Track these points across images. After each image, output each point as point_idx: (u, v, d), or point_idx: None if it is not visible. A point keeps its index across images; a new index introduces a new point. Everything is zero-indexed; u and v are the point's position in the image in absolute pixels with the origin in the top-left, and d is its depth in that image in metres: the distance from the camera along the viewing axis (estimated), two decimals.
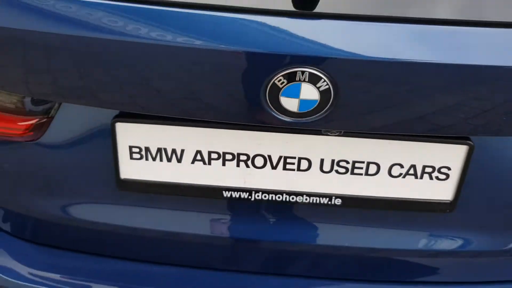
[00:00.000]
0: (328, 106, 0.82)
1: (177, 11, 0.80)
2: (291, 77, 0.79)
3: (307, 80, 0.79)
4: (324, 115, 0.84)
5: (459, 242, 1.14)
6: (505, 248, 1.14)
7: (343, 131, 0.93)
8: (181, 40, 0.79)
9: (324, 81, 0.79)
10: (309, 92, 0.81)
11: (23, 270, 1.19)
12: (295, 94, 0.81)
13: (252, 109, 0.85)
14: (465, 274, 1.20)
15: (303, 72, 0.78)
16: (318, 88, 0.80)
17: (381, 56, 0.79)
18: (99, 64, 0.84)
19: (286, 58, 0.78)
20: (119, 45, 0.81)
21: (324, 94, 0.81)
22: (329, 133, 0.94)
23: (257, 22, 0.79)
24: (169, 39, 0.79)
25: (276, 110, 0.83)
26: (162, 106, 0.89)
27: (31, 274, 1.19)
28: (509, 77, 0.81)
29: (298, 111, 0.84)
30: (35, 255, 1.23)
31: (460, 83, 0.82)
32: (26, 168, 1.10)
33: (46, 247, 1.23)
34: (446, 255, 1.15)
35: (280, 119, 0.84)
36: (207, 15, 0.80)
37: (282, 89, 0.81)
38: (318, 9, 0.78)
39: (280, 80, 0.79)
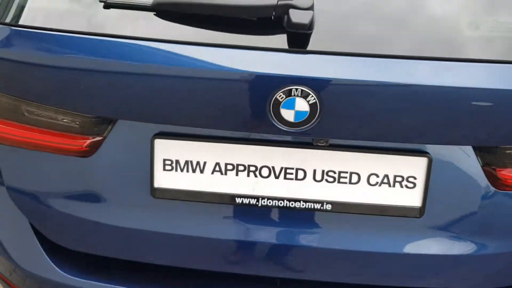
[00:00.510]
0: (316, 116, 1.09)
1: (209, 49, 1.12)
2: (288, 93, 1.07)
3: (299, 95, 1.07)
4: (313, 125, 1.10)
5: (431, 246, 1.29)
6: (473, 252, 1.28)
7: (329, 140, 1.18)
8: (213, 74, 1.12)
9: (312, 96, 1.07)
10: (301, 104, 1.08)
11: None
12: (291, 106, 1.09)
13: (260, 121, 1.12)
14: (435, 278, 1.33)
15: (296, 89, 1.07)
16: (308, 101, 1.08)
17: (348, 78, 1.09)
18: (151, 90, 1.14)
19: (285, 79, 1.07)
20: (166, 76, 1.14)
21: (312, 106, 1.08)
22: (319, 143, 1.18)
23: (267, 55, 1.11)
24: (203, 75, 1.12)
25: (278, 121, 1.10)
26: (194, 122, 1.17)
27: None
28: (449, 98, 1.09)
29: (294, 121, 1.10)
30: (74, 263, 1.43)
31: (414, 103, 1.10)
32: (76, 180, 1.30)
33: (87, 255, 1.41)
34: (419, 259, 1.29)
35: (280, 129, 1.10)
36: (232, 51, 1.12)
37: (282, 102, 1.08)
38: (308, 47, 1.10)
39: (281, 95, 1.08)
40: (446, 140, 1.17)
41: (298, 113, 1.10)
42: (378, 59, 1.10)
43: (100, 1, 1.16)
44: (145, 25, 1.19)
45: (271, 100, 1.09)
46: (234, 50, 1.11)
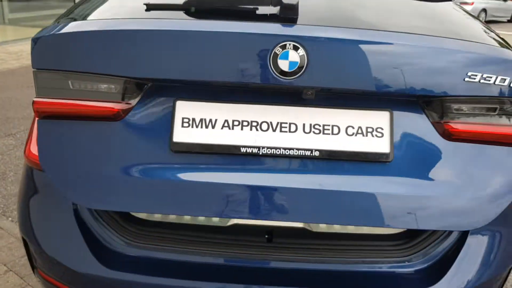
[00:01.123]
0: (304, 66, 1.42)
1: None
2: (283, 47, 1.41)
3: (292, 48, 1.41)
4: (303, 74, 1.42)
5: (400, 187, 1.54)
6: (431, 194, 1.53)
7: (314, 92, 1.47)
8: (232, 38, 1.47)
9: (301, 49, 1.41)
10: (293, 56, 1.41)
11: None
12: (286, 57, 1.42)
13: (263, 72, 1.44)
14: (403, 218, 1.56)
15: (290, 44, 1.41)
16: (298, 53, 1.41)
17: (326, 36, 1.44)
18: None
19: (282, 37, 1.42)
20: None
21: (302, 58, 1.41)
22: (307, 94, 1.47)
23: (269, 25, 1.50)
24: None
25: (275, 71, 1.42)
26: (215, 75, 1.47)
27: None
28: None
29: (288, 70, 1.42)
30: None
31: (371, 57, 1.44)
32: (108, 141, 1.55)
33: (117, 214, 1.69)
34: (390, 198, 1.53)
35: (277, 78, 1.42)
36: (244, 23, 1.51)
37: (279, 55, 1.42)
38: (296, 19, 1.50)
39: (278, 49, 1.42)
40: (396, 91, 1.47)
41: (291, 63, 1.42)
42: (344, 28, 1.51)
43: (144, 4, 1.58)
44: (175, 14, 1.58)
45: (271, 53, 1.42)
46: (245, 22, 1.50)
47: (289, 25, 1.47)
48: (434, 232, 1.77)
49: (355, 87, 1.47)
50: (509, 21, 22.18)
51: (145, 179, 1.52)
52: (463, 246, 1.72)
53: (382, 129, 1.52)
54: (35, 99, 1.58)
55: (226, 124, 1.51)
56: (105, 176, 1.55)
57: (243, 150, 1.51)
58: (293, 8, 1.47)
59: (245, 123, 1.51)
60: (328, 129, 1.52)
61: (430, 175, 1.55)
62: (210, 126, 1.51)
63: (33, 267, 1.95)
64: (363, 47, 1.45)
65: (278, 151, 1.51)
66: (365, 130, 1.53)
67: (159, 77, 1.49)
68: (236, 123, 1.51)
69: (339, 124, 1.52)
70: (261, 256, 1.72)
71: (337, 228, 1.98)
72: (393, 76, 1.46)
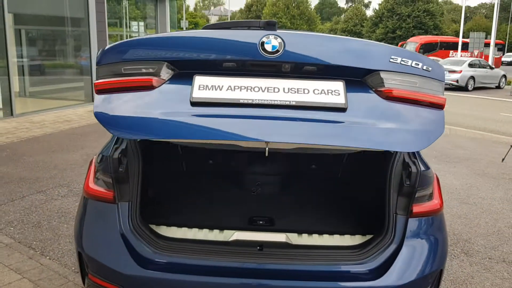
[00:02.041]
0: (282, 48, 2.21)
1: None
2: (268, 37, 2.21)
3: (273, 38, 2.21)
4: (281, 53, 2.20)
5: (352, 122, 2.18)
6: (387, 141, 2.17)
7: (289, 65, 2.24)
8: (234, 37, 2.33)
9: (279, 39, 2.22)
10: (274, 42, 2.21)
11: None
12: (269, 43, 2.21)
13: (255, 52, 2.21)
14: (354, 140, 2.18)
15: (272, 35, 2.21)
16: (277, 41, 2.21)
17: (292, 32, 2.40)
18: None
19: (266, 32, 2.24)
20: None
21: (280, 44, 2.21)
22: (285, 68, 2.25)
23: (258, 32, 2.29)
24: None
25: (263, 51, 2.20)
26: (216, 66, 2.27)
27: None
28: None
29: (271, 50, 2.20)
30: None
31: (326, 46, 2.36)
32: (148, 102, 2.23)
33: None
34: (345, 127, 2.17)
35: (264, 56, 2.20)
36: (242, 31, 2.53)
37: (265, 42, 2.21)
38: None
39: (264, 39, 2.21)
40: (346, 67, 2.26)
41: (273, 46, 2.22)
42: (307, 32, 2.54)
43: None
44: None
45: (260, 41, 2.22)
46: (242, 30, 2.52)
47: (271, 29, 2.28)
48: (379, 242, 2.45)
49: (316, 62, 2.26)
50: (497, 87, 23.23)
51: (173, 118, 2.18)
52: (399, 252, 2.39)
53: (338, 91, 2.24)
54: (96, 82, 2.28)
55: (229, 88, 2.22)
56: (144, 118, 2.19)
57: (241, 101, 2.20)
58: (273, 24, 2.31)
59: (243, 87, 2.23)
60: (301, 91, 2.23)
61: (371, 116, 2.20)
62: (218, 89, 2.22)
63: (83, 277, 2.60)
64: (323, 39, 2.44)
65: (265, 102, 2.20)
66: (327, 91, 2.24)
67: (185, 58, 2.27)
68: (236, 87, 2.23)
69: (308, 88, 2.24)
70: (255, 260, 2.39)
71: (310, 241, 2.67)
72: (342, 58, 2.27)
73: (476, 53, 33.78)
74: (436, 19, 50.30)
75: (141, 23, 21.87)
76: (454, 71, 21.33)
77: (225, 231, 2.80)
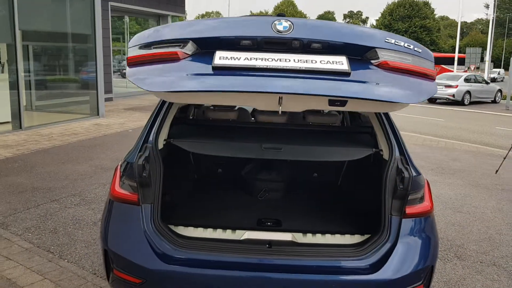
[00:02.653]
0: (292, 28, 2.53)
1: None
2: (279, 20, 2.55)
3: (283, 21, 2.55)
4: (291, 32, 2.52)
5: (355, 83, 2.44)
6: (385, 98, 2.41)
7: (298, 42, 2.51)
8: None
9: (288, 22, 2.55)
10: (285, 23, 2.54)
11: None
12: (281, 24, 2.54)
13: (269, 31, 2.52)
14: (356, 92, 2.44)
15: (282, 19, 2.56)
16: (287, 23, 2.54)
17: (300, 19, 2.66)
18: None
19: (277, 17, 2.61)
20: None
21: (290, 25, 2.53)
22: (295, 44, 2.51)
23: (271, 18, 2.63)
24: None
25: (276, 31, 2.52)
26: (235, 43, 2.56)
27: None
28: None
29: (282, 30, 2.52)
30: None
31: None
32: (174, 68, 2.49)
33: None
34: (348, 86, 2.44)
35: (276, 35, 2.51)
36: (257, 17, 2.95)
37: (277, 23, 2.54)
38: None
39: (276, 22, 2.55)
40: (346, 44, 2.56)
41: (284, 27, 2.52)
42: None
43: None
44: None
45: (273, 23, 2.53)
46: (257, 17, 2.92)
47: (281, 15, 2.63)
48: (376, 241, 2.73)
49: (322, 40, 2.55)
50: (492, 102, 23.63)
51: (196, 76, 2.46)
52: (394, 249, 2.67)
53: (342, 62, 2.51)
54: (127, 56, 2.59)
55: (246, 58, 2.48)
56: (170, 77, 2.45)
57: (257, 67, 2.45)
58: (283, 15, 2.67)
59: (258, 58, 2.48)
60: (309, 61, 2.49)
61: (372, 79, 2.48)
62: (236, 59, 2.47)
63: (108, 273, 2.88)
64: (327, 23, 2.74)
65: (279, 67, 2.45)
66: (332, 62, 2.51)
67: (207, 37, 2.58)
68: (253, 58, 2.48)
69: (316, 59, 2.51)
70: (264, 256, 2.66)
71: (314, 240, 2.95)
72: (344, 37, 2.59)
73: (472, 68, 34.23)
74: (432, 35, 50.99)
75: None
76: (450, 86, 21.73)
77: (237, 231, 3.08)
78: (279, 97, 2.60)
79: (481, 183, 7.46)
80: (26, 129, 10.40)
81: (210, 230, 3.13)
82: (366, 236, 2.96)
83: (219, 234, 3.09)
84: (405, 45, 2.57)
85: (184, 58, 2.50)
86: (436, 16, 57.91)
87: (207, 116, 3.90)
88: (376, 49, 2.53)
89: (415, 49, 2.59)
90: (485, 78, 26.88)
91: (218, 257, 2.66)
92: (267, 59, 2.46)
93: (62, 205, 5.65)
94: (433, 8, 54.78)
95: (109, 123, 11.79)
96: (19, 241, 4.57)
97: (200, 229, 3.14)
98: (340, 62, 2.50)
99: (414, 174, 2.77)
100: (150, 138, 2.98)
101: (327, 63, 2.49)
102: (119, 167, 2.97)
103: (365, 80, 2.46)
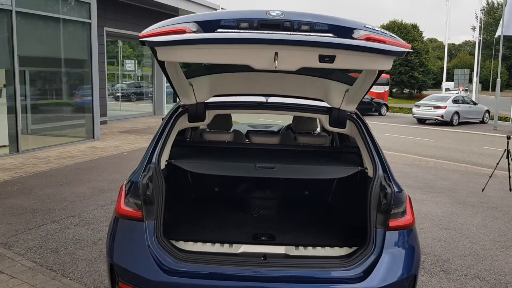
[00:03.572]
0: (283, 15, 2.70)
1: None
2: (273, 11, 2.73)
3: (277, 10, 2.73)
4: (283, 16, 2.69)
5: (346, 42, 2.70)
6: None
7: (291, 23, 2.70)
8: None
9: (280, 11, 2.73)
10: (278, 11, 2.72)
11: None
12: (274, 11, 2.72)
13: (262, 15, 2.70)
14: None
15: (275, 10, 2.74)
16: (279, 11, 2.73)
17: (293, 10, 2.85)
18: None
19: (272, 10, 2.78)
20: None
21: (282, 12, 2.72)
22: (287, 24, 2.70)
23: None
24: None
25: (270, 15, 2.69)
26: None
27: None
28: None
29: (275, 15, 2.68)
30: None
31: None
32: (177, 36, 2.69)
33: None
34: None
35: (271, 17, 2.69)
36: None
37: (270, 12, 2.72)
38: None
39: (270, 12, 2.71)
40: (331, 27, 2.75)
41: (277, 13, 2.68)
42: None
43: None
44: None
45: (268, 12, 2.70)
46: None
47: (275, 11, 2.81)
48: (363, 252, 2.96)
49: (312, 21, 2.73)
50: (481, 122, 24.09)
51: (201, 35, 2.69)
52: (379, 260, 2.90)
53: (330, 36, 2.73)
54: (140, 34, 2.79)
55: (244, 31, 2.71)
56: (176, 36, 2.68)
57: (254, 35, 2.68)
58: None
59: (255, 32, 2.68)
60: (301, 36, 2.69)
61: (357, 43, 2.72)
62: (236, 33, 2.68)
63: (113, 286, 3.07)
64: (315, 13, 2.82)
65: (274, 38, 2.66)
66: (321, 36, 2.73)
67: (208, 20, 2.75)
68: (250, 32, 2.69)
69: (308, 35, 2.73)
70: (260, 268, 2.88)
71: (306, 252, 3.19)
72: (330, 20, 2.76)
73: (461, 89, 34.89)
74: (421, 57, 51.81)
75: (134, 61, 22.74)
76: (439, 107, 22.18)
77: (234, 245, 3.31)
78: (275, 52, 2.80)
79: (468, 201, 7.71)
80: (23, 153, 10.57)
81: (208, 244, 3.35)
82: (354, 248, 3.19)
83: (217, 248, 3.31)
84: (381, 31, 2.85)
85: (190, 33, 2.75)
86: (425, 38, 58.98)
87: (205, 138, 4.16)
88: (359, 29, 2.78)
89: (389, 34, 2.87)
90: (473, 99, 27.43)
91: (217, 269, 2.87)
92: (263, 33, 2.71)
93: (62, 226, 5.82)
94: (421, 31, 55.66)
95: (104, 146, 12.00)
96: (22, 260, 4.74)
97: (199, 244, 3.35)
98: (328, 37, 2.77)
99: (396, 190, 3.02)
100: (153, 159, 3.21)
101: (317, 36, 2.76)
102: (123, 186, 3.20)
103: (352, 40, 2.74)
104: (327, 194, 4.58)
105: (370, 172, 3.31)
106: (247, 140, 4.81)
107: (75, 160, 10.07)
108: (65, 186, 7.83)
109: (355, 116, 3.54)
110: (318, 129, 5.08)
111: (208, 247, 3.33)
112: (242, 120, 8.71)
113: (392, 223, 3.01)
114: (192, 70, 3.78)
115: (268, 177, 4.06)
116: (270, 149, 4.04)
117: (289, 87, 3.85)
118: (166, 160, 3.44)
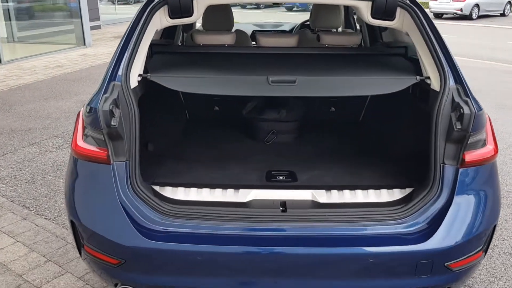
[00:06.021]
0: None
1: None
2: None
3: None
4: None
5: None
6: None
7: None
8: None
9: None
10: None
11: None
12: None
13: None
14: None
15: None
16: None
17: None
18: None
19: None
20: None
21: None
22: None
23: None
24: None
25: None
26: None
27: None
28: None
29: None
30: None
31: None
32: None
33: None
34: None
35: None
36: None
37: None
38: None
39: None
40: None
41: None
42: None
43: None
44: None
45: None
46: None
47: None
48: (423, 197, 2.08)
49: None
50: (501, 15, 22.34)
51: None
52: (449, 208, 2.03)
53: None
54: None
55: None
56: None
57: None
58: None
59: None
60: None
61: None
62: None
63: (79, 248, 2.27)
64: None
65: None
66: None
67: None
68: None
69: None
70: (278, 224, 2.04)
71: (341, 198, 2.30)
72: None
73: None
74: None
75: None
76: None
77: (241, 190, 2.40)
78: None
79: (507, 104, 6.77)
80: (7, 63, 9.55)
81: (206, 190, 2.41)
82: (408, 191, 2.31)
83: (218, 195, 2.39)
84: None
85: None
86: None
87: (197, 42, 3.12)
88: None
89: None
90: None
91: (217, 228, 2.03)
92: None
93: (42, 149, 5.01)
94: None
95: (96, 53, 10.91)
96: None
97: (194, 190, 2.41)
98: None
99: (476, 109, 2.08)
100: (119, 73, 2.23)
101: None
102: (81, 113, 2.27)
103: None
104: (359, 110, 3.62)
105: (434, 84, 2.33)
106: (253, 43, 3.79)
107: (63, 70, 9.08)
108: (50, 100, 6.93)
109: (409, 1, 2.42)
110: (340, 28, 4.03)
111: (205, 195, 2.39)
112: (244, 20, 7.78)
113: (468, 156, 2.11)
114: None
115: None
116: (285, 54, 2.99)
117: None
118: (140, 75, 2.40)
